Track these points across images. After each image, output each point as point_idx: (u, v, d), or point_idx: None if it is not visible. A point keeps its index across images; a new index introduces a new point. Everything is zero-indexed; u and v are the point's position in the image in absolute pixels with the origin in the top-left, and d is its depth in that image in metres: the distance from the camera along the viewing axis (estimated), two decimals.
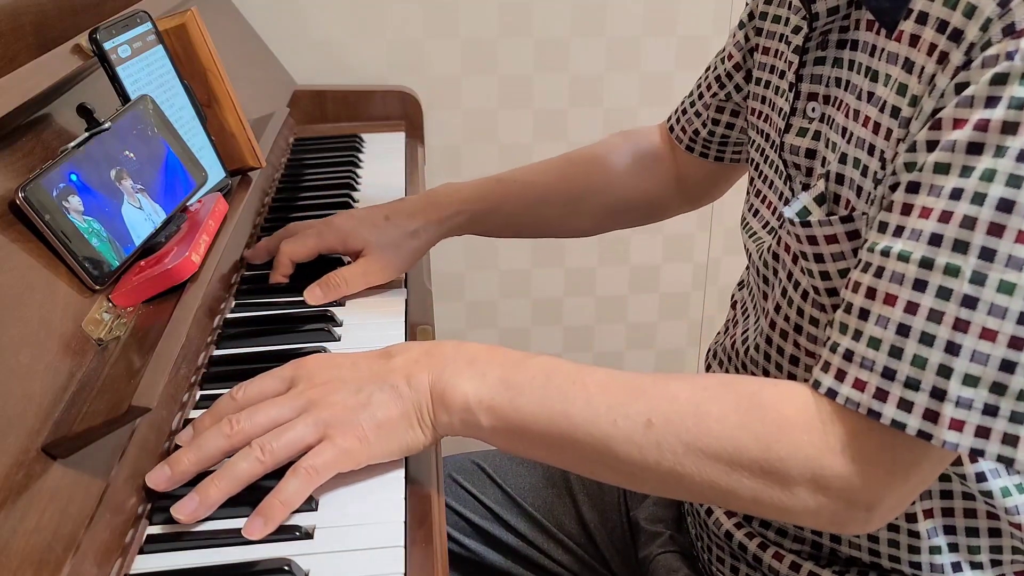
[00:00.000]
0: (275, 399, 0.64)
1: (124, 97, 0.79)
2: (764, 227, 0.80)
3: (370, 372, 0.64)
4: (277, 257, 0.92)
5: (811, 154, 0.73)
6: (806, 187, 0.74)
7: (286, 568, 0.57)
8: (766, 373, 0.77)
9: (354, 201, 1.16)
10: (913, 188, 0.58)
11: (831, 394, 0.59)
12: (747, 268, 0.88)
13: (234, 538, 0.60)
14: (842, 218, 0.66)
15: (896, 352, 0.57)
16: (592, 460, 0.63)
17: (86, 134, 0.71)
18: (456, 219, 0.96)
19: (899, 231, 0.58)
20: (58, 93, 0.76)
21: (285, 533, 0.60)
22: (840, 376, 0.59)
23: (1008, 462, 0.56)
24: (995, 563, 0.71)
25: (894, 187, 0.60)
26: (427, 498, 0.65)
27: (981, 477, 0.67)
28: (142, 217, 0.74)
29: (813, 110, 0.73)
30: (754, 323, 0.80)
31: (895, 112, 0.62)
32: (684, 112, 1.00)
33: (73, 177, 0.68)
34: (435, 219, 0.94)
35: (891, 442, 0.58)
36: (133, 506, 0.61)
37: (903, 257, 0.57)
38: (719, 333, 0.90)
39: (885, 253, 0.58)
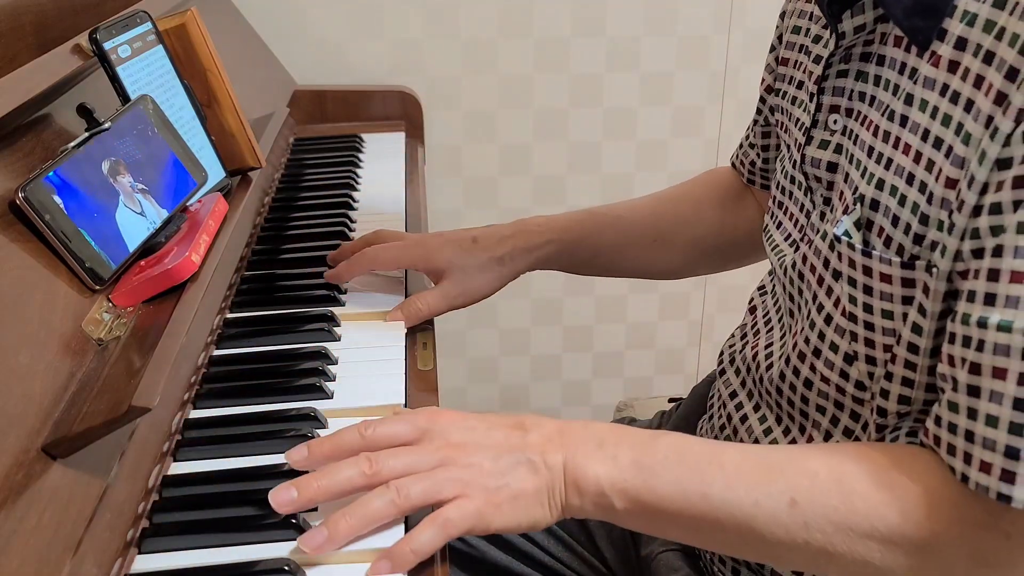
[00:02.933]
0: (411, 448, 0.63)
1: (124, 97, 0.79)
2: (786, 239, 0.79)
3: (506, 442, 0.64)
4: (356, 257, 0.90)
5: (832, 167, 0.72)
6: (827, 201, 0.72)
7: (286, 568, 0.57)
8: (780, 393, 0.76)
9: (354, 201, 1.16)
10: (997, 252, 0.56)
11: (963, 479, 0.57)
12: (770, 276, 0.87)
13: (234, 538, 0.60)
14: (903, 263, 0.63)
15: (1016, 429, 0.54)
16: (735, 541, 0.62)
17: (86, 134, 0.71)
18: (546, 248, 0.93)
19: (991, 299, 0.56)
20: (58, 93, 0.76)
21: (285, 528, 0.60)
22: (967, 460, 0.57)
23: None
24: None
25: (977, 252, 0.57)
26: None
27: None
28: (142, 217, 0.74)
29: (835, 122, 0.72)
30: (779, 338, 0.79)
31: (939, 144, 0.60)
32: (740, 146, 0.99)
33: (73, 177, 0.68)
34: (525, 247, 0.92)
35: None
36: (133, 506, 0.61)
37: (1004, 327, 0.54)
38: (734, 337, 0.89)
39: (982, 324, 0.55)
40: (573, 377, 1.80)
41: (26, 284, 0.61)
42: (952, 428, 0.58)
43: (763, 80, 0.93)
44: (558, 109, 1.60)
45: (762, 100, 0.93)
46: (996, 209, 0.56)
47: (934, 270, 0.61)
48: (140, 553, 0.60)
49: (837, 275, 0.68)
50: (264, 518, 0.61)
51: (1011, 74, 0.55)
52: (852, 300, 0.67)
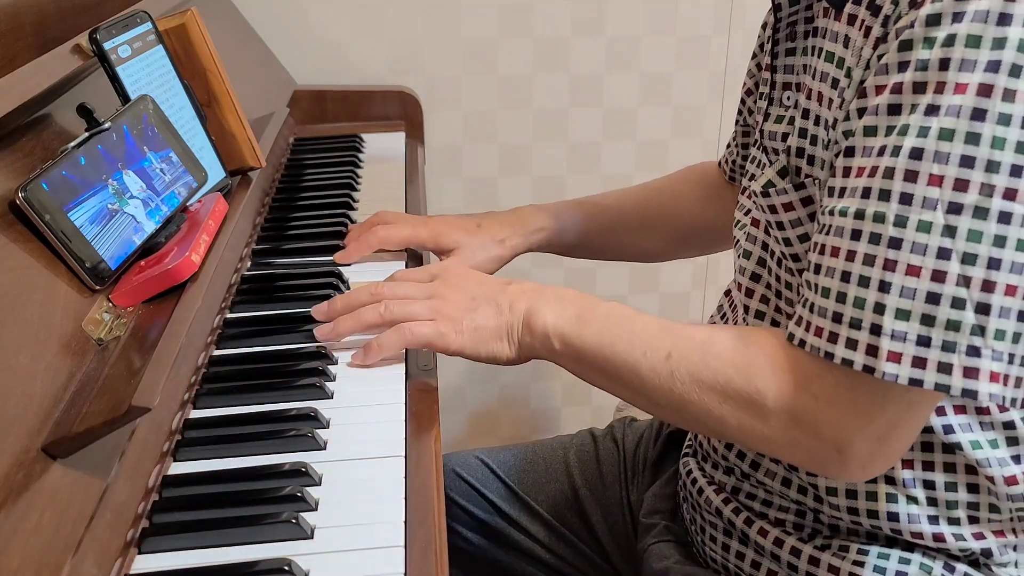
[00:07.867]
0: (415, 284, 0.82)
1: (124, 97, 0.79)
2: (746, 215, 0.84)
3: (487, 289, 0.79)
4: (366, 237, 0.98)
5: (785, 138, 0.77)
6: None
7: (286, 568, 0.57)
8: None
9: (354, 201, 1.16)
10: (849, 152, 0.65)
11: (800, 344, 0.66)
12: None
13: (234, 538, 0.60)
14: (795, 185, 0.73)
15: (841, 297, 0.63)
16: (626, 385, 0.73)
17: (86, 134, 0.71)
18: (539, 235, 1.04)
19: (841, 192, 0.65)
20: (58, 93, 0.76)
21: (286, 528, 0.60)
22: (806, 326, 0.66)
23: (945, 389, 0.61)
24: (972, 520, 0.73)
25: (837, 154, 0.67)
26: (428, 498, 0.65)
27: (948, 430, 0.71)
28: (142, 217, 0.74)
29: (788, 98, 0.78)
30: (743, 314, 0.82)
31: (835, 84, 0.69)
32: (727, 146, 1.04)
33: (73, 177, 0.68)
34: (521, 232, 1.04)
35: (848, 381, 0.64)
36: (133, 506, 0.61)
37: (842, 212, 0.64)
38: (713, 318, 0.91)
39: (831, 212, 0.65)
40: (573, 377, 1.79)
41: (26, 284, 0.62)
42: (803, 302, 0.67)
43: (744, 84, 0.98)
44: (558, 109, 1.60)
45: (742, 102, 0.99)
46: (847, 116, 0.66)
47: (817, 181, 0.71)
48: (140, 553, 0.60)
49: (767, 227, 0.77)
50: (264, 518, 0.61)
51: (875, 9, 0.65)
52: (778, 241, 0.76)
